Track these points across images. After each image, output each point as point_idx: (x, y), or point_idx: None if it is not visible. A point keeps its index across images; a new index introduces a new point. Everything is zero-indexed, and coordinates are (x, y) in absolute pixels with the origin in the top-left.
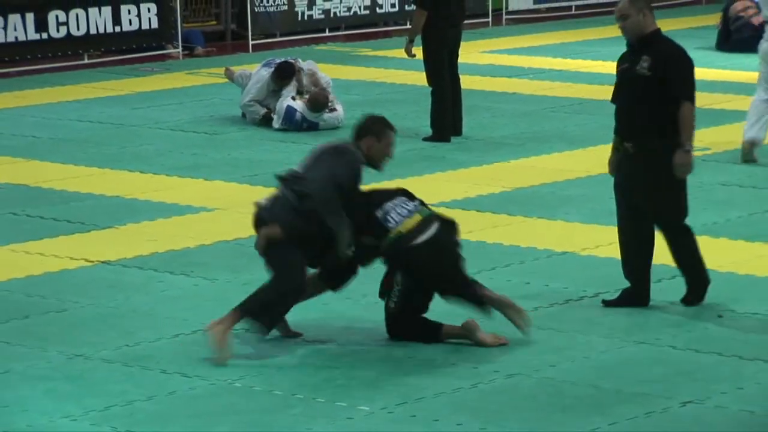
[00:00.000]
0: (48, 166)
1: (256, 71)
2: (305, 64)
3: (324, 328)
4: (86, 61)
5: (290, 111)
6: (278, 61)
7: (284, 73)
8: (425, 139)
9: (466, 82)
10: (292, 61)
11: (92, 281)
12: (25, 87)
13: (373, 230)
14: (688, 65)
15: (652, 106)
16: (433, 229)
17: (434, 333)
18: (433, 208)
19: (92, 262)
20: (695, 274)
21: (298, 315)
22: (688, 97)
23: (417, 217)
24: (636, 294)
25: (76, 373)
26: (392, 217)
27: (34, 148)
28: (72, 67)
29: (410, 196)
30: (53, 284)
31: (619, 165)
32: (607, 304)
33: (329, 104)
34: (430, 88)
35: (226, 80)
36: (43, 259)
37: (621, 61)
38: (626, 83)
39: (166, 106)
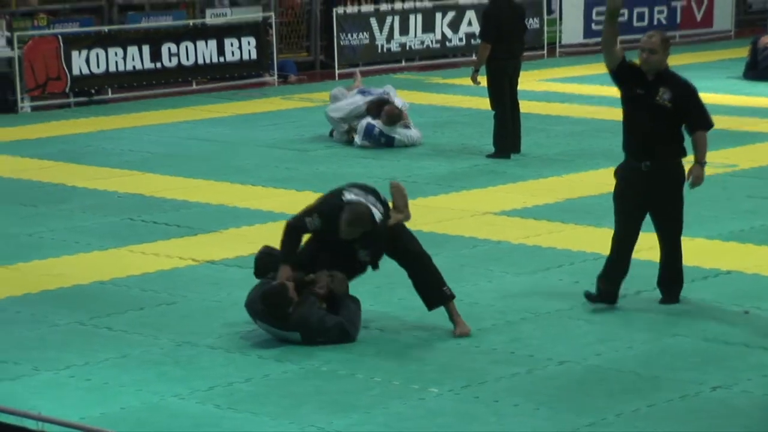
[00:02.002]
0: (161, 178)
1: (352, 95)
2: (385, 88)
3: (399, 319)
4: (194, 87)
5: (369, 127)
6: (374, 92)
7: (381, 108)
8: (488, 156)
9: (525, 106)
10: (386, 97)
11: (199, 278)
12: (142, 110)
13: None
14: (699, 97)
15: (671, 131)
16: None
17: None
18: (490, 216)
19: (199, 261)
20: (678, 277)
21: (377, 307)
22: (705, 126)
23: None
24: (612, 293)
25: (184, 358)
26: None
27: (150, 162)
28: (182, 92)
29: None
30: (165, 280)
31: (628, 180)
32: (589, 297)
33: (403, 119)
34: (493, 112)
35: (315, 105)
36: (157, 258)
37: (629, 86)
38: (645, 109)
39: (263, 126)
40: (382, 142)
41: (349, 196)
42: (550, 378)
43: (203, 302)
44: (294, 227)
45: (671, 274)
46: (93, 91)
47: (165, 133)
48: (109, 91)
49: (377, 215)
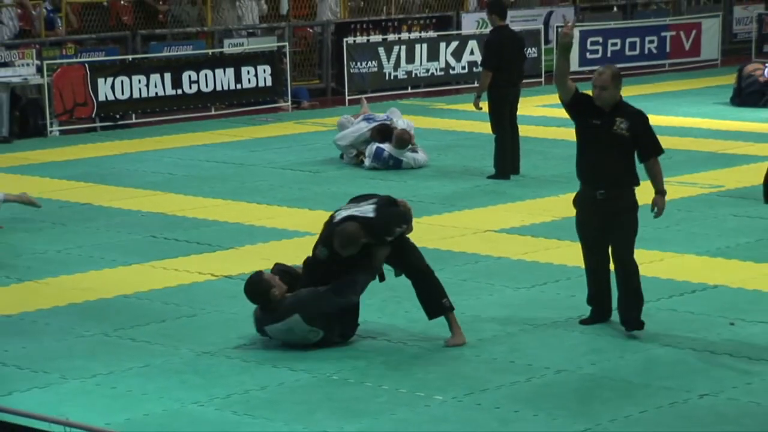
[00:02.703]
0: (182, 198)
1: (357, 122)
2: (389, 113)
3: (405, 330)
4: (213, 112)
5: (379, 150)
6: (377, 118)
7: (383, 134)
8: (489, 177)
9: (524, 130)
10: (389, 123)
11: (217, 292)
12: (164, 134)
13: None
14: (650, 125)
15: (626, 159)
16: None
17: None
18: (491, 233)
19: (217, 276)
20: (638, 300)
21: (384, 320)
22: (657, 152)
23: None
24: (604, 312)
25: (204, 367)
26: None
27: (171, 183)
28: (201, 117)
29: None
30: (185, 294)
31: (587, 209)
32: (583, 322)
33: (412, 144)
34: (494, 135)
35: (327, 129)
36: (177, 273)
37: (584, 117)
38: (603, 139)
39: (277, 149)
40: (390, 164)
41: (339, 217)
42: (548, 386)
43: (221, 315)
44: (310, 263)
45: (627, 295)
46: (118, 116)
47: (185, 156)
48: (133, 116)
49: (368, 214)
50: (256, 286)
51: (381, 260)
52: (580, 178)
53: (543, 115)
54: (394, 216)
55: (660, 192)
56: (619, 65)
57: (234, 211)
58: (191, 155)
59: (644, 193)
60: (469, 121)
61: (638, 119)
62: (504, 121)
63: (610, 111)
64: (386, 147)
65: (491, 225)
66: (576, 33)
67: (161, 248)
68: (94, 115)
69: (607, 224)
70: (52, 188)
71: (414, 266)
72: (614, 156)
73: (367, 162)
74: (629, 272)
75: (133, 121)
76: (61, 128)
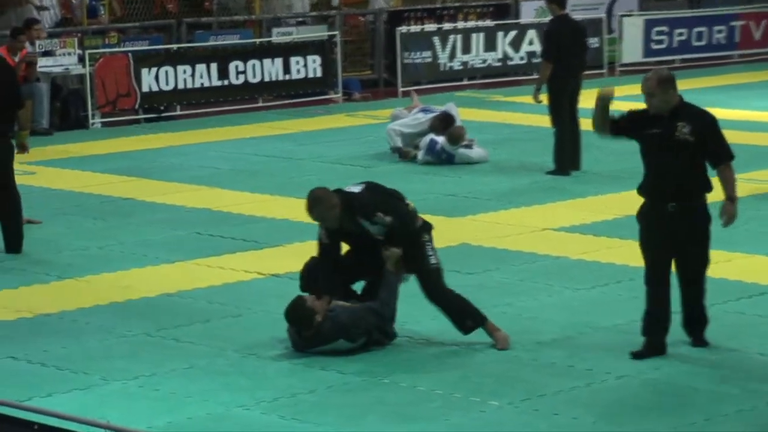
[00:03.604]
0: (227, 193)
1: (415, 112)
2: (446, 107)
3: (459, 334)
4: (261, 104)
5: (432, 143)
6: (436, 109)
7: (446, 123)
8: (548, 173)
9: (585, 123)
10: (450, 113)
11: (264, 291)
12: (209, 126)
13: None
14: (719, 127)
15: (695, 167)
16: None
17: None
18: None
19: (264, 274)
20: (703, 317)
21: (436, 323)
22: (728, 158)
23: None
24: (663, 343)
25: (250, 370)
26: None
27: (216, 177)
28: (248, 109)
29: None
30: (231, 293)
31: (655, 224)
32: (638, 356)
33: (465, 141)
34: (553, 129)
35: (379, 121)
36: (222, 272)
37: (640, 131)
38: (666, 148)
39: (327, 142)
40: (443, 158)
41: None
42: (608, 391)
43: (268, 315)
44: (317, 254)
45: (697, 314)
46: (162, 107)
47: (231, 149)
48: (178, 107)
49: (353, 189)
50: (299, 312)
51: (393, 263)
52: (645, 192)
53: None
54: (382, 202)
55: (730, 198)
56: (685, 56)
57: (282, 207)
58: (238, 149)
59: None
60: (527, 114)
61: (703, 121)
62: (564, 114)
63: (670, 116)
64: (440, 140)
65: (550, 223)
66: (640, 22)
67: (206, 245)
68: (137, 107)
69: (678, 240)
70: (93, 182)
71: (430, 296)
72: (682, 165)
73: (420, 155)
74: (701, 291)
75: (178, 113)
76: (103, 120)
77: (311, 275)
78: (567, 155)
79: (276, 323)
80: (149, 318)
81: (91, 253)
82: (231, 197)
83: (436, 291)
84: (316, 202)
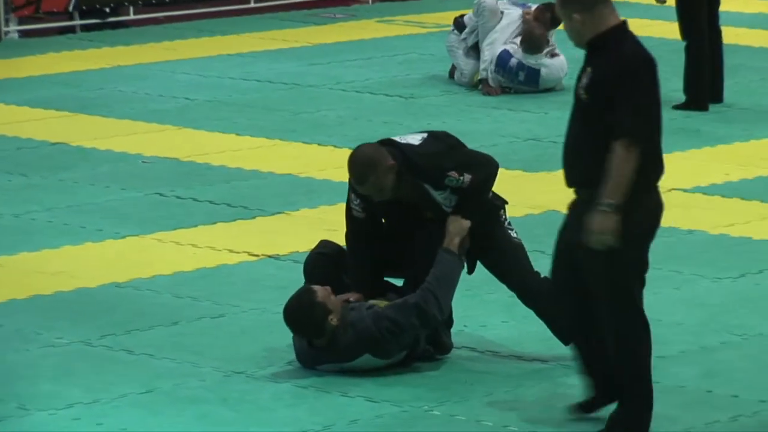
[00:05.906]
0: (204, 136)
1: (506, 10)
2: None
3: (547, 343)
4: (252, 5)
5: (503, 56)
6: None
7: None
8: (676, 107)
9: (729, 35)
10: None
11: (257, 280)
12: (177, 37)
13: None
14: (636, 80)
15: (597, 141)
16: None
17: None
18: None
19: (257, 256)
20: None
21: (515, 329)
22: (628, 131)
23: None
24: None
25: (236, 395)
26: None
27: (187, 112)
28: (235, 12)
29: None
30: (208, 283)
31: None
32: None
33: (549, 46)
34: (684, 43)
35: (428, 30)
36: (196, 251)
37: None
38: (573, 110)
39: (351, 62)
40: (520, 79)
41: None
42: (763, 427)
43: (262, 314)
44: (347, 233)
45: None
46: (107, 9)
47: (210, 71)
48: (131, 8)
49: (410, 141)
50: (306, 310)
51: (458, 238)
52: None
53: (760, 12)
54: (457, 155)
55: (598, 203)
56: None
57: (284, 157)
58: (219, 70)
59: None
60: (644, 20)
61: (610, 68)
62: (701, 22)
63: (586, 57)
64: (513, 50)
65: (679, 181)
66: None
67: (172, 212)
68: (71, 8)
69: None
70: (8, 119)
71: (516, 286)
72: (582, 135)
73: (487, 74)
74: None
75: (131, 17)
76: (21, 28)
77: (316, 274)
78: (705, 82)
79: (274, 327)
80: (89, 319)
81: (4, 224)
82: (209, 142)
83: (526, 279)
84: (370, 166)
